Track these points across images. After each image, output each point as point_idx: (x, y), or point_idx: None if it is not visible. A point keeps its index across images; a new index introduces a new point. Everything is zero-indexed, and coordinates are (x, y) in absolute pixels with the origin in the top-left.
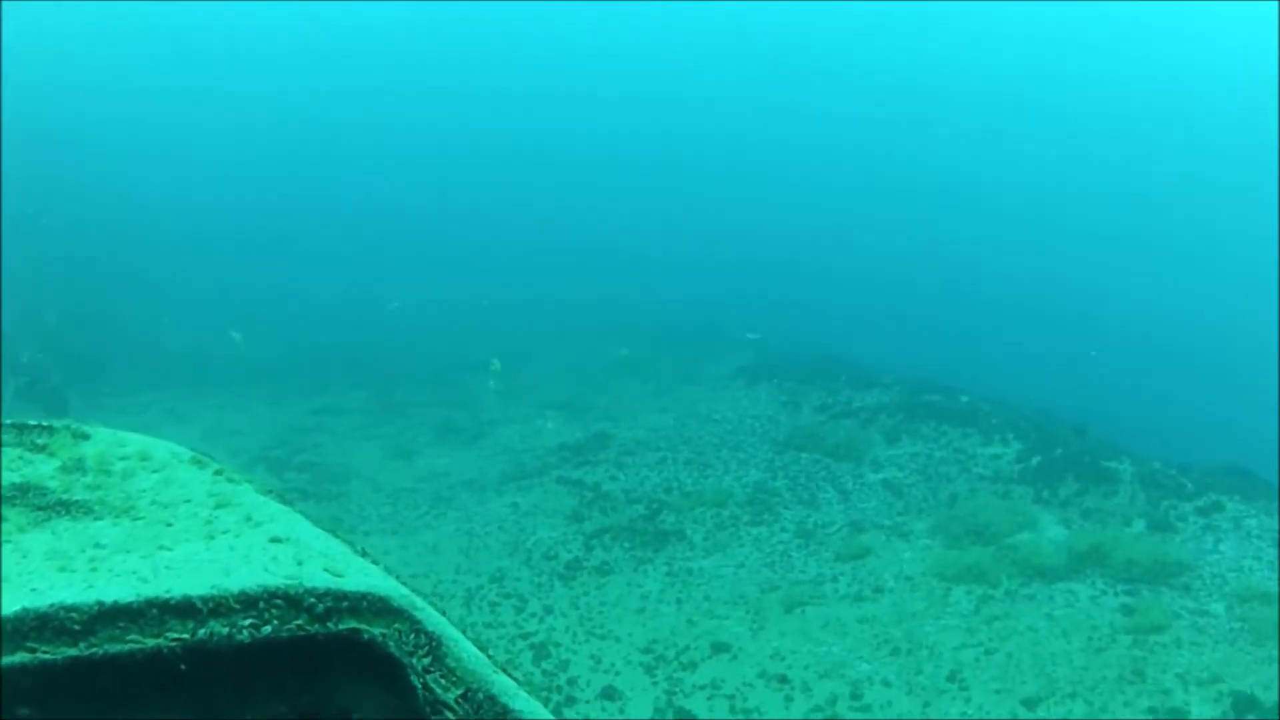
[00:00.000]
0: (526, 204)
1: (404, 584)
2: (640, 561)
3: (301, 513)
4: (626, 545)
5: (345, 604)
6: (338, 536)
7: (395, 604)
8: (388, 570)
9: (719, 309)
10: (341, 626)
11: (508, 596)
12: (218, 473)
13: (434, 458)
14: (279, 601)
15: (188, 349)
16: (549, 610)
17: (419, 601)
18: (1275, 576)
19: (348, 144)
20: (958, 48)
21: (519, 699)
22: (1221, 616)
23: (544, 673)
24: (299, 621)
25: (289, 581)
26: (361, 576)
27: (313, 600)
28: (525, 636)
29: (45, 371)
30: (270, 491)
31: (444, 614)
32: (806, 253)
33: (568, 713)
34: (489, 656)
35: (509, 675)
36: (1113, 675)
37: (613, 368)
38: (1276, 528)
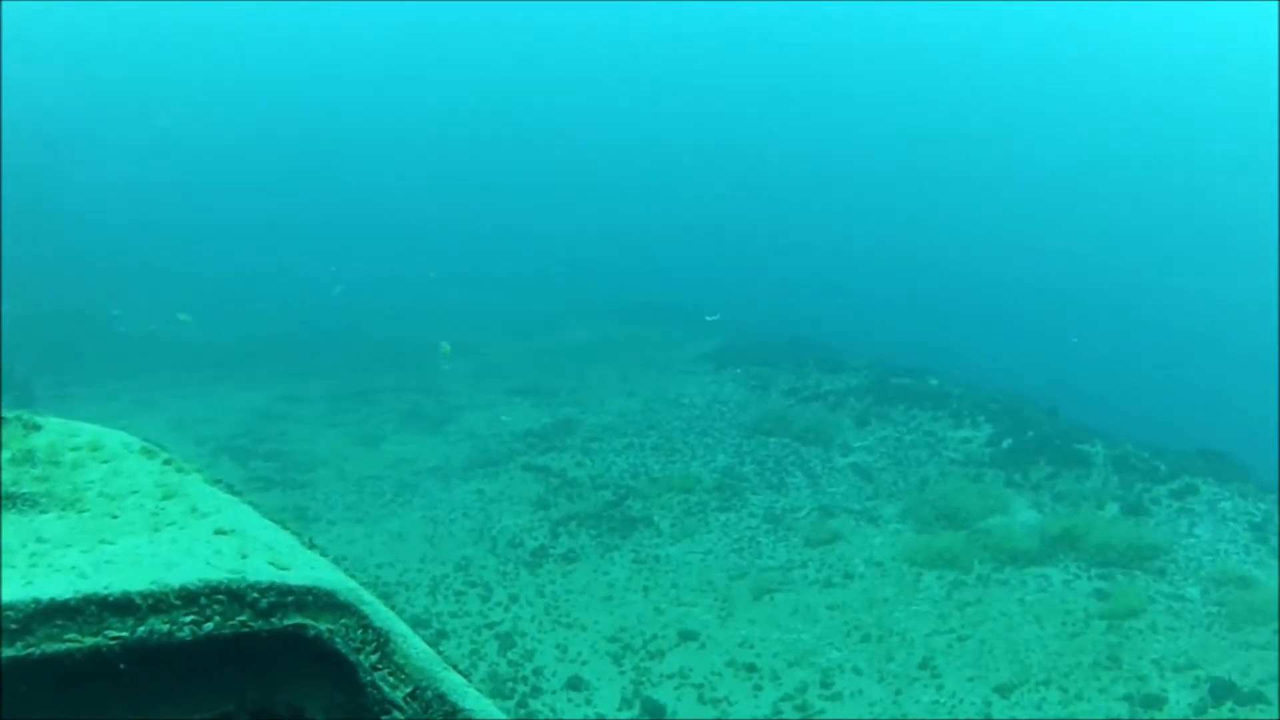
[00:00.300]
0: (494, 183)
1: (365, 575)
2: (607, 549)
3: (259, 503)
4: (593, 532)
5: (290, 599)
6: (286, 528)
7: (341, 598)
8: (342, 562)
9: (687, 289)
10: (286, 622)
11: (473, 585)
12: (166, 463)
13: (400, 444)
14: (221, 596)
15: (156, 337)
16: (514, 599)
17: (366, 595)
18: (1251, 560)
19: (307, 129)
20: (947, 39)
21: (469, 697)
22: (1197, 601)
23: (509, 663)
24: (242, 617)
25: (232, 576)
26: (308, 570)
27: (256, 595)
28: (491, 626)
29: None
30: (218, 482)
31: (393, 609)
32: (777, 234)
33: (534, 704)
34: (439, 652)
35: (459, 672)
36: (1087, 661)
37: (579, 351)
38: (1251, 510)
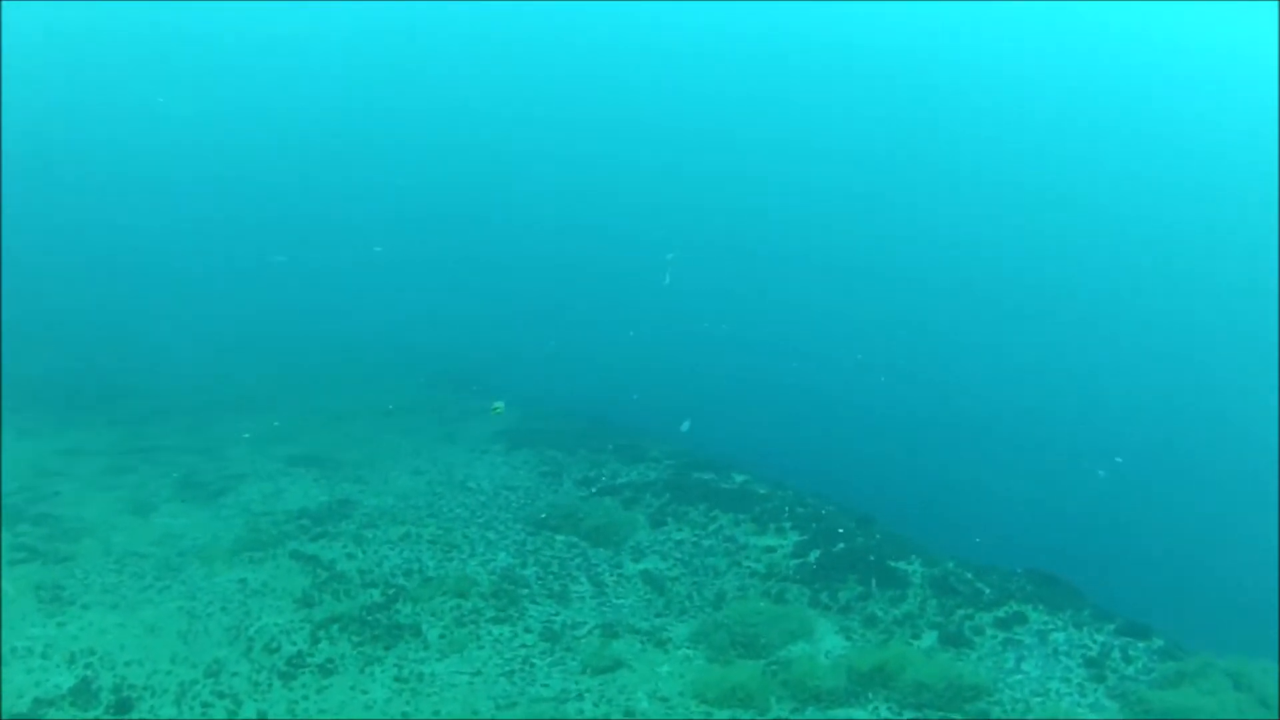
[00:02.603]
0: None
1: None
2: (369, 660)
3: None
4: (355, 639)
5: None
6: None
7: None
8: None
9: (491, 354)
10: None
11: (222, 696)
12: None
13: (171, 516)
14: None
15: None
16: (263, 716)
17: None
18: (1085, 703)
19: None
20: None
21: None
22: None
23: None
24: None
25: None
26: None
27: None
28: None
29: None
30: None
31: None
32: (582, 300)
33: None
34: None
35: None
36: None
37: (374, 416)
38: (1086, 643)
